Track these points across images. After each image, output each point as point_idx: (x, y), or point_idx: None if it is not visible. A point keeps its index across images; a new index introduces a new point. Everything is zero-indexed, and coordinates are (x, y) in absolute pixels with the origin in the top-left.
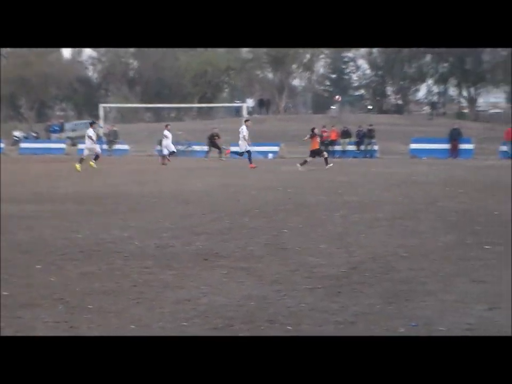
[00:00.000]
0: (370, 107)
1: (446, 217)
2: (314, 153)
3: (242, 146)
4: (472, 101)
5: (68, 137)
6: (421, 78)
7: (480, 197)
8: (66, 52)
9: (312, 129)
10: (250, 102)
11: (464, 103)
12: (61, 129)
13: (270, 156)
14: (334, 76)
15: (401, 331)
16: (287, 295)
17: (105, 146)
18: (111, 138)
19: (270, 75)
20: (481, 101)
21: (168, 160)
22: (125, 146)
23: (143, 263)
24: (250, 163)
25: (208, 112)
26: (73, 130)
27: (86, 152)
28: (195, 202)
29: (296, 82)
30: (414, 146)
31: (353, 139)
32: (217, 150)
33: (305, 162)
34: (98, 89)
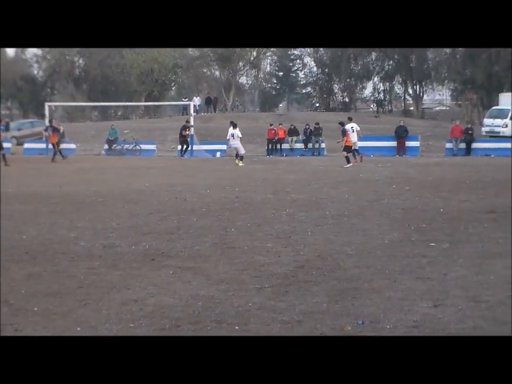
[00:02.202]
0: (317, 105)
1: (392, 214)
2: (348, 149)
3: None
4: (417, 98)
5: (13, 137)
6: (367, 76)
7: (426, 194)
8: (10, 50)
9: (341, 123)
10: (197, 100)
11: (410, 100)
12: (6, 129)
13: (218, 154)
14: (280, 73)
15: (348, 329)
16: (235, 295)
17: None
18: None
19: (217, 73)
20: (427, 99)
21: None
22: (72, 146)
23: (89, 263)
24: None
25: (155, 111)
26: (18, 129)
27: (242, 151)
28: (142, 202)
29: (243, 80)
30: (361, 144)
31: (301, 137)
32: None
33: (348, 159)
34: (44, 88)
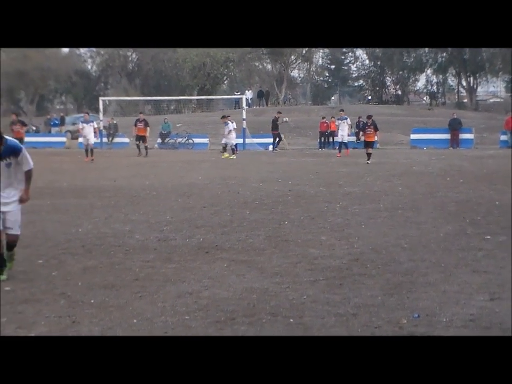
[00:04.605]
0: (369, 98)
1: (447, 207)
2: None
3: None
4: (471, 90)
5: (68, 131)
6: (420, 68)
7: (481, 187)
8: None
9: (370, 116)
10: (249, 94)
11: (463, 92)
12: (61, 123)
13: (270, 147)
14: (332, 66)
15: (404, 322)
16: (289, 288)
17: (105, 140)
18: (111, 131)
19: (269, 66)
20: (481, 91)
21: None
22: (125, 139)
23: (144, 256)
24: None
25: (207, 104)
26: (73, 123)
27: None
28: (195, 195)
29: (295, 73)
30: (414, 136)
31: (353, 130)
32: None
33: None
34: (98, 82)
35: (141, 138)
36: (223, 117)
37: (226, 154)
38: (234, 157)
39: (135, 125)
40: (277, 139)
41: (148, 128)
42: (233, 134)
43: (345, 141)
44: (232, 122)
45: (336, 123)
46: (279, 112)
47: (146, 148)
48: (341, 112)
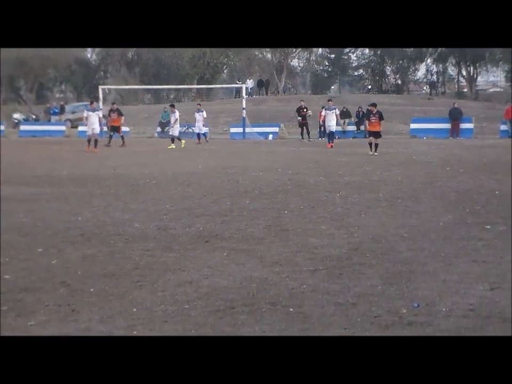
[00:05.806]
0: (369, 87)
1: (446, 197)
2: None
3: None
4: (471, 80)
5: (68, 119)
6: (420, 58)
7: (481, 177)
8: None
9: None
10: (250, 83)
11: (463, 82)
12: (61, 111)
13: (270, 137)
14: (332, 56)
15: (404, 312)
16: (289, 277)
17: (105, 128)
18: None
19: (269, 55)
20: (481, 80)
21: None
22: (125, 128)
23: (144, 245)
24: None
25: (207, 93)
26: (73, 112)
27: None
28: (195, 184)
29: (295, 62)
30: (414, 126)
31: (353, 119)
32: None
33: (372, 145)
34: (97, 71)
35: (115, 129)
36: (171, 105)
37: (172, 145)
38: (174, 147)
39: (109, 115)
40: (305, 129)
41: (122, 117)
42: (200, 123)
43: (333, 131)
44: (202, 111)
45: (323, 113)
46: (302, 100)
47: (122, 137)
48: (329, 102)
